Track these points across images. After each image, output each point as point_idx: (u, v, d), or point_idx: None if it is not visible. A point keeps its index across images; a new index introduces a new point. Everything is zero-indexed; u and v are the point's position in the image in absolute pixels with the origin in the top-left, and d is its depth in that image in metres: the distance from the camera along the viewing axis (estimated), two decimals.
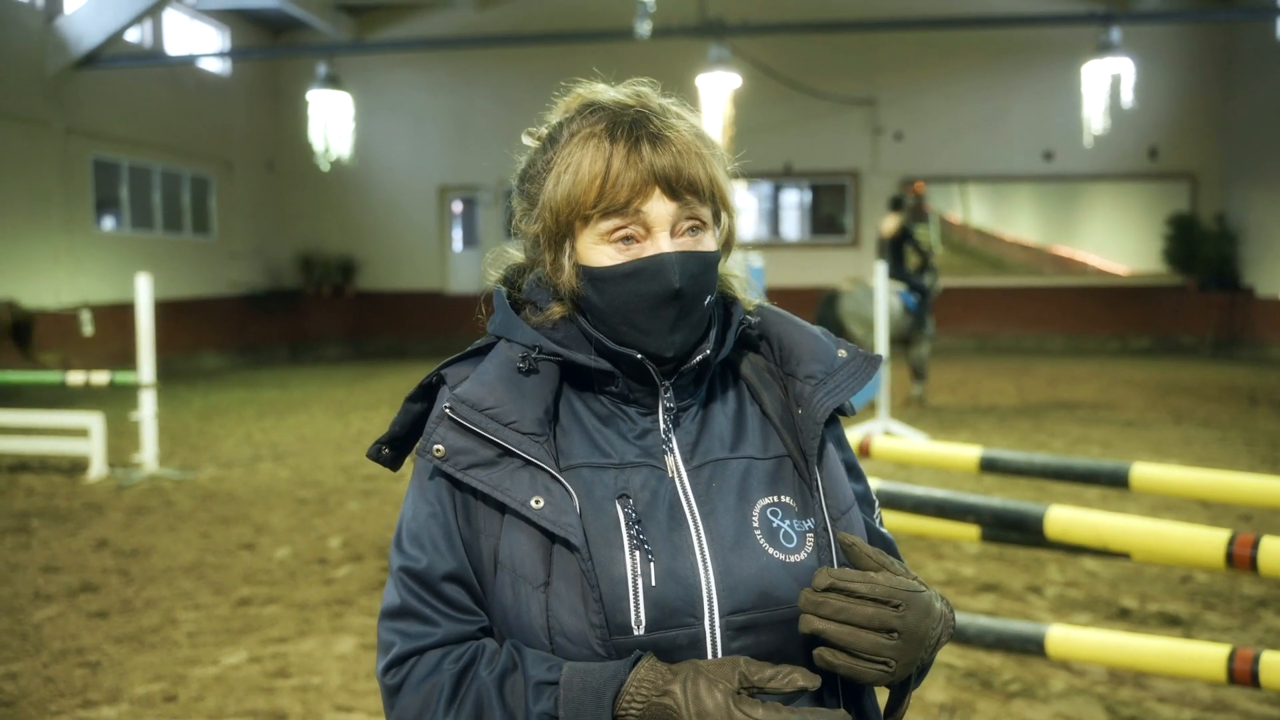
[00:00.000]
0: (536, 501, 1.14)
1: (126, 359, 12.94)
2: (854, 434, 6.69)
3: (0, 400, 10.96)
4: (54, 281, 14.17)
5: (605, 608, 1.12)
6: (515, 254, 1.32)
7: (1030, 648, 3.30)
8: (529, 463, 1.16)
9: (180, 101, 16.87)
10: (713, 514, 1.18)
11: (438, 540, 1.18)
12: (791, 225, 20.03)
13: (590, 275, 1.20)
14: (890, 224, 11.60)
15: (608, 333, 1.21)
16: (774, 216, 20.04)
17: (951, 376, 14.45)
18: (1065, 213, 19.30)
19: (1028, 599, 4.89)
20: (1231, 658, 2.85)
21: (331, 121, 14.39)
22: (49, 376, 8.48)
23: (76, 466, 8.32)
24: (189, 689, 3.95)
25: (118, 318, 13.99)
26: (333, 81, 14.47)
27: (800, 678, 1.08)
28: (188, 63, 16.96)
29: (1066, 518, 3.12)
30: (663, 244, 1.18)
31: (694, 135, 1.21)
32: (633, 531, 1.15)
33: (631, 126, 1.18)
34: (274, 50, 19.13)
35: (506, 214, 1.31)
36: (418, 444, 1.22)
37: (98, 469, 7.98)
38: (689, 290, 1.18)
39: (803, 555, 1.19)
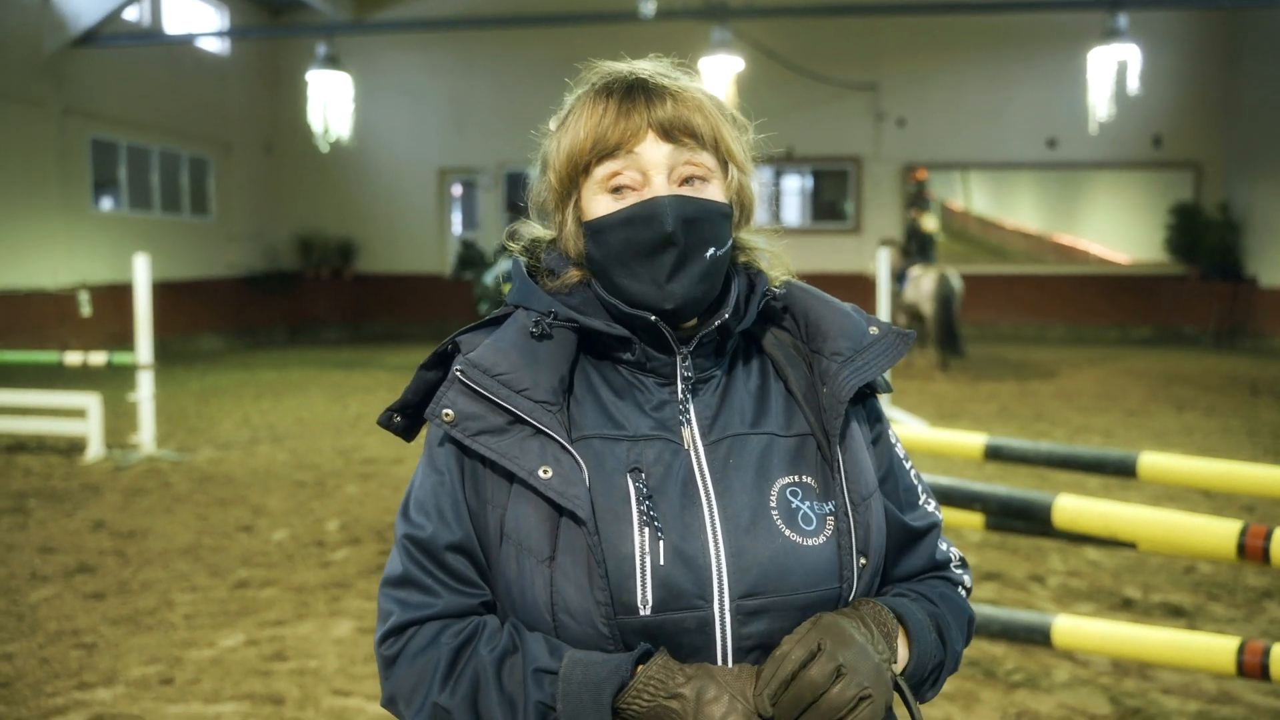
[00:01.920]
0: (545, 471, 1.10)
1: (124, 340, 12.90)
2: None
3: None
4: (51, 262, 14.11)
5: (611, 585, 1.08)
6: (537, 228, 1.29)
7: (1036, 638, 3.27)
8: (539, 431, 1.12)
9: (179, 81, 16.77)
10: (728, 492, 1.14)
11: (444, 509, 1.15)
12: (792, 211, 19.95)
13: (590, 228, 1.18)
14: (931, 221, 12.89)
15: (617, 292, 1.17)
16: (775, 202, 19.90)
17: (951, 364, 14.41)
18: (1067, 201, 19.23)
19: (1030, 588, 4.86)
20: (1241, 650, 2.82)
21: (331, 102, 14.28)
22: (46, 356, 8.43)
23: (74, 447, 8.27)
24: (185, 671, 3.92)
25: (115, 299, 13.94)
26: (332, 62, 14.36)
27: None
28: (186, 42, 16.84)
29: (1075, 507, 3.08)
30: (658, 188, 1.15)
31: (697, 92, 1.19)
32: (643, 507, 1.11)
33: (625, 80, 1.18)
34: (273, 30, 19.00)
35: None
36: (428, 409, 1.19)
37: (95, 450, 7.94)
38: (684, 236, 1.14)
39: (821, 539, 1.14)
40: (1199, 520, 2.92)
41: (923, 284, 12.97)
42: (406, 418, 1.24)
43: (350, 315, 19.88)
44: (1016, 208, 19.44)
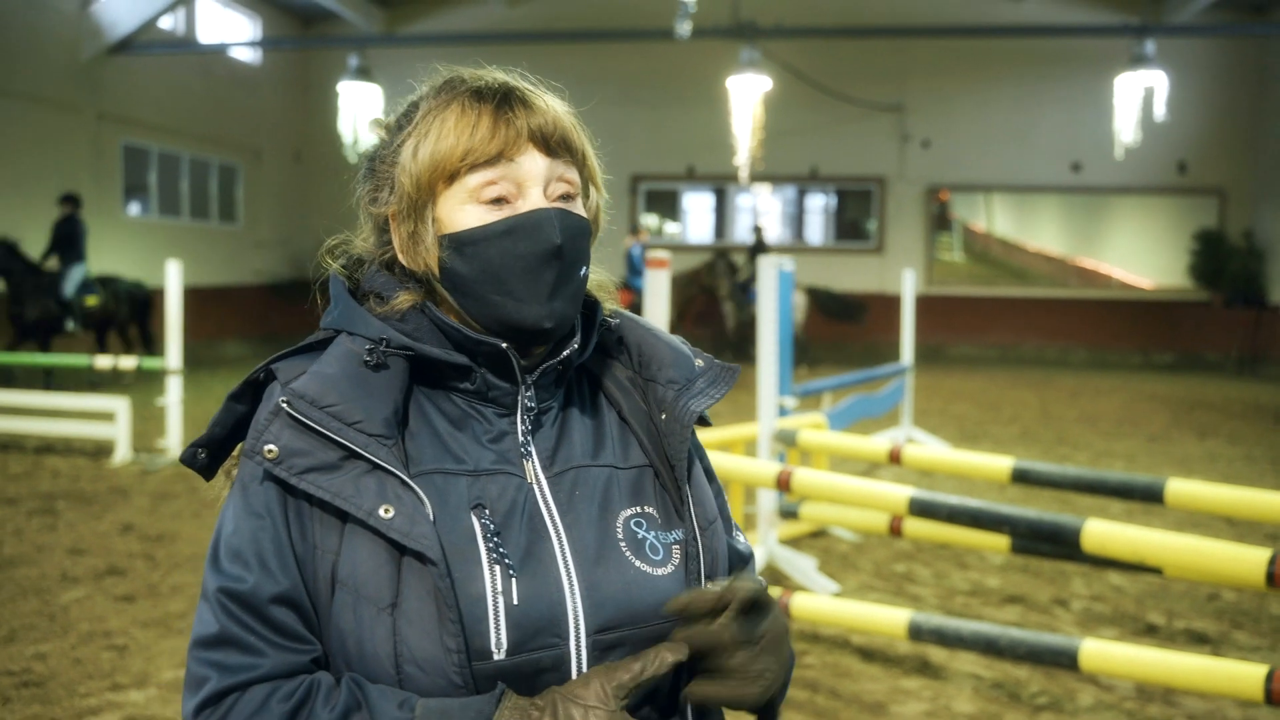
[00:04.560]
0: (386, 511, 1.01)
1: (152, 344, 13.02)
2: (880, 440, 6.67)
3: (26, 383, 11.05)
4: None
5: (465, 630, 1.00)
6: (358, 243, 1.20)
7: (1063, 661, 3.28)
8: (376, 467, 1.03)
9: (210, 90, 16.98)
10: (576, 525, 1.09)
11: (266, 556, 1.03)
12: (815, 230, 19.98)
13: (457, 241, 1.08)
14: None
15: (477, 313, 1.10)
16: (798, 221, 20.00)
17: (973, 386, 14.39)
18: (1091, 225, 19.19)
19: (1054, 611, 4.86)
20: (1270, 678, 2.82)
21: (361, 113, 14.44)
22: (76, 360, 8.54)
23: (101, 450, 8.37)
24: None
25: None
26: (363, 73, 14.53)
27: (669, 653, 1.03)
28: (219, 51, 17.06)
29: (1104, 532, 3.10)
30: (535, 201, 1.09)
31: (563, 108, 1.14)
32: (491, 544, 1.04)
33: (499, 88, 1.11)
34: (305, 41, 19.22)
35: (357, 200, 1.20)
36: (241, 446, 1.09)
37: (122, 453, 8.03)
38: (569, 250, 1.09)
39: (670, 568, 1.11)
40: (1227, 547, 2.94)
41: None
42: (212, 454, 1.12)
43: None
44: (1040, 231, 19.42)
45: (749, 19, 14.41)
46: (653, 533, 1.12)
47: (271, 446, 1.04)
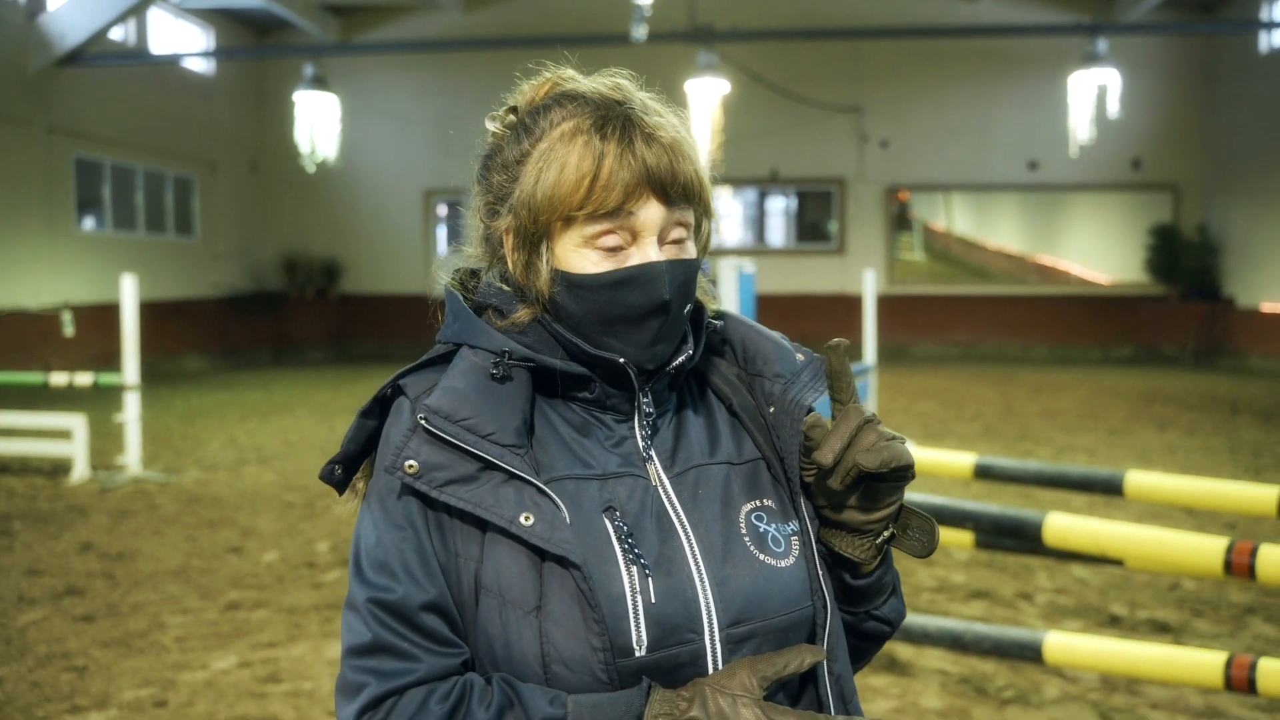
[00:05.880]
0: (526, 518, 1.05)
1: (108, 360, 12.83)
2: None
3: None
4: (34, 282, 14.05)
5: (607, 628, 1.05)
6: (469, 252, 1.23)
7: (1028, 654, 3.31)
8: (513, 476, 1.07)
9: (164, 101, 16.77)
10: (701, 522, 1.13)
11: (412, 566, 1.07)
12: (777, 232, 20.07)
13: (570, 282, 1.11)
14: None
15: (583, 337, 1.13)
16: (759, 223, 20.08)
17: (937, 384, 14.51)
18: (1048, 222, 19.43)
19: (1018, 605, 4.90)
20: (1229, 664, 2.86)
21: (317, 123, 14.32)
22: (31, 377, 8.39)
23: (58, 468, 8.23)
24: (179, 694, 3.91)
25: (99, 319, 13.87)
26: (319, 82, 14.41)
27: (809, 655, 1.06)
28: (172, 62, 16.86)
29: (1065, 525, 3.13)
30: (650, 253, 1.10)
31: (682, 133, 1.14)
32: (625, 545, 1.08)
33: (624, 124, 1.10)
34: (259, 50, 19.04)
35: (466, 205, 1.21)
36: (378, 461, 1.12)
37: (80, 471, 7.90)
38: (677, 301, 1.12)
39: (790, 560, 1.14)
40: (1186, 537, 2.97)
41: None
42: (347, 470, 1.16)
43: (335, 336, 19.85)
44: (999, 229, 19.63)
45: (706, 23, 14.45)
46: (773, 525, 1.16)
47: (412, 462, 1.07)
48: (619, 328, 1.12)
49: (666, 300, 1.11)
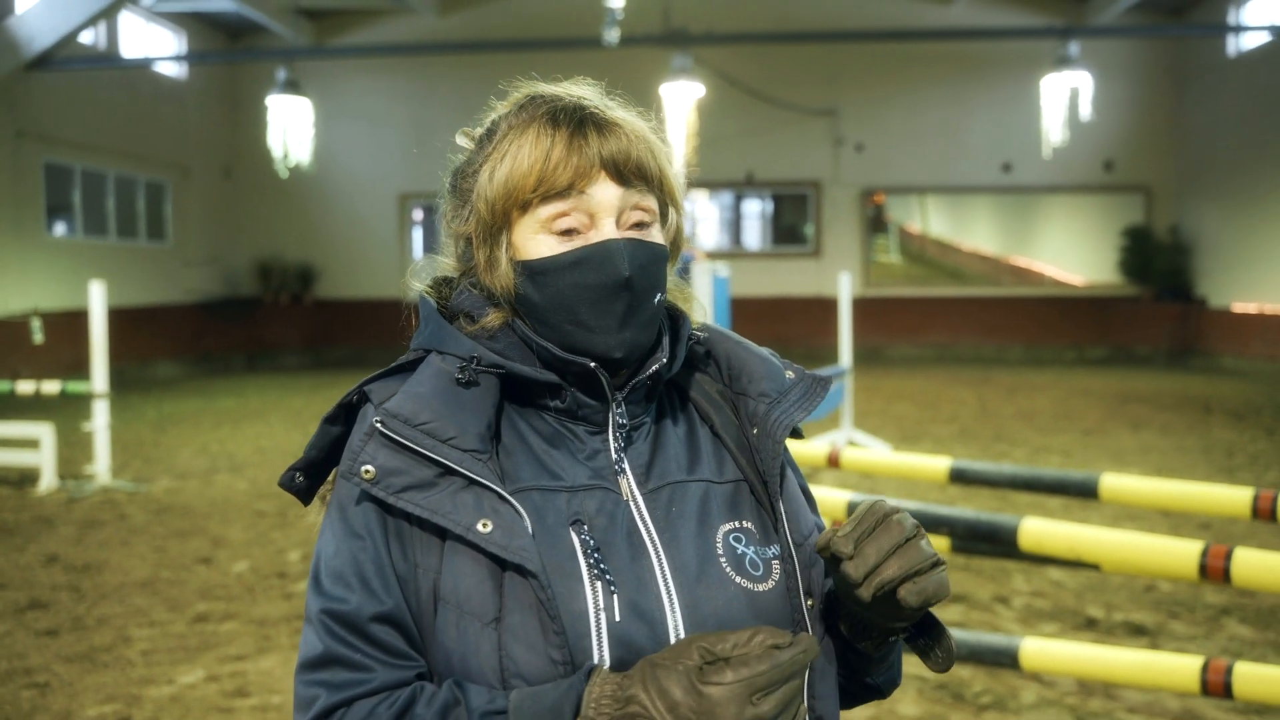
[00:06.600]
0: (484, 525, 1.02)
1: (78, 368, 12.66)
2: (819, 444, 6.68)
3: None
4: (3, 288, 13.86)
5: (568, 641, 1.01)
6: (444, 262, 1.22)
7: (1004, 660, 3.28)
8: (473, 482, 1.03)
9: (135, 105, 16.60)
10: (674, 541, 1.08)
11: (367, 576, 1.05)
12: (753, 235, 20.09)
13: (529, 269, 1.10)
14: None
15: (553, 338, 1.11)
16: (735, 226, 20.09)
17: (913, 386, 14.55)
18: (1022, 224, 19.55)
19: (995, 609, 4.89)
20: (1205, 669, 2.84)
21: (291, 127, 14.22)
22: None
23: (26, 478, 8.10)
24: (144, 710, 3.83)
25: (69, 326, 13.68)
26: (292, 86, 14.30)
27: (767, 636, 0.96)
28: (143, 66, 16.69)
29: (1040, 529, 3.11)
30: (607, 232, 1.09)
31: (638, 123, 1.13)
32: (591, 560, 1.04)
33: (575, 111, 1.10)
34: (232, 54, 18.89)
35: (438, 220, 1.21)
36: (337, 468, 1.09)
37: (48, 481, 7.77)
38: (639, 281, 1.09)
39: (770, 584, 1.09)
40: (1160, 541, 2.96)
41: None
42: (309, 477, 1.13)
43: (310, 341, 19.70)
44: (973, 231, 19.73)
45: (680, 26, 14.44)
46: (752, 548, 1.12)
47: (368, 467, 1.05)
48: (582, 312, 1.09)
49: (626, 277, 1.08)
